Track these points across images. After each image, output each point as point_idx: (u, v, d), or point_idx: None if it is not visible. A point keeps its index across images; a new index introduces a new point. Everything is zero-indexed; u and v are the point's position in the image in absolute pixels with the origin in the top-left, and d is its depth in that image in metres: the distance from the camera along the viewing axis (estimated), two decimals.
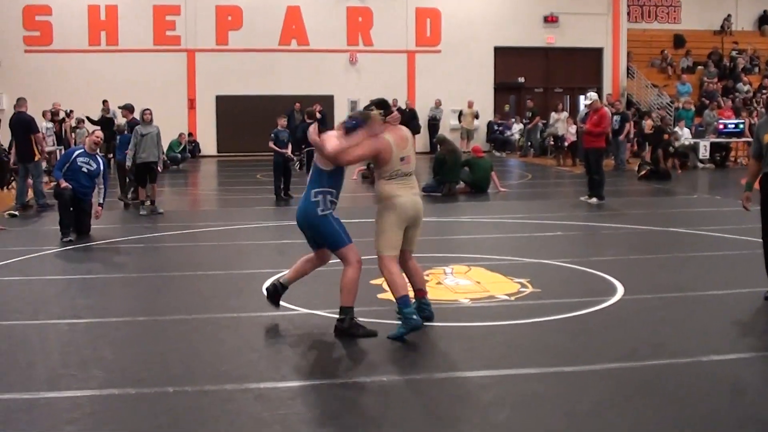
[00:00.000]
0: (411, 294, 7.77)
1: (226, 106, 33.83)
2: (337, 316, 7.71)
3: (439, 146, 20.83)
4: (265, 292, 8.43)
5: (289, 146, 19.02)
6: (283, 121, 19.48)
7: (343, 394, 6.18)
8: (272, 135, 18.92)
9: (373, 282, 9.66)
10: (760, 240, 8.98)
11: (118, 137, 17.74)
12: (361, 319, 7.84)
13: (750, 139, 27.16)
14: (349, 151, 7.52)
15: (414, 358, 7.06)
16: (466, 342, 7.56)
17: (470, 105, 34.37)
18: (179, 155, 29.35)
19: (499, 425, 5.62)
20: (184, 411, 5.85)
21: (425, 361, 6.99)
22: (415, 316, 7.45)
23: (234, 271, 10.81)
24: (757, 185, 8.99)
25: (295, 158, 19.36)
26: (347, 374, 6.62)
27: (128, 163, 16.60)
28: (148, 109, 16.82)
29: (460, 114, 34.52)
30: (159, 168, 16.76)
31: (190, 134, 32.93)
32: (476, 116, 34.44)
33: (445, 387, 6.38)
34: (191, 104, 34.12)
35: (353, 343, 7.51)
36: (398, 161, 7.68)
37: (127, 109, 18.41)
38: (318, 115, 22.75)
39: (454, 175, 19.64)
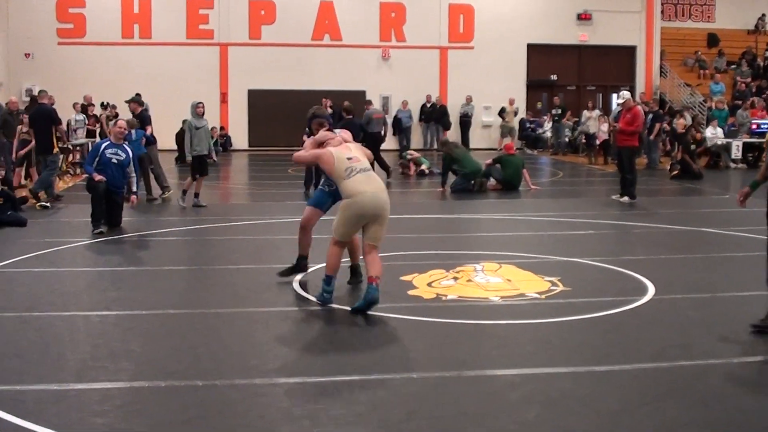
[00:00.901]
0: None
1: (258, 100, 33.94)
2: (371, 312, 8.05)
3: (442, 147, 21.08)
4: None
5: None
6: None
7: (372, 391, 6.18)
8: (306, 129, 18.95)
9: (403, 278, 9.67)
10: None
11: (132, 132, 17.14)
12: (391, 315, 7.92)
13: None
14: (300, 156, 9.16)
15: (444, 355, 7.05)
16: (496, 340, 7.54)
17: (511, 102, 34.32)
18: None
19: (528, 423, 5.60)
20: (214, 404, 5.86)
21: (455, 358, 6.97)
22: (326, 295, 8.49)
23: (266, 265, 10.80)
24: None
25: None
26: (377, 370, 6.60)
27: (188, 157, 16.54)
28: (201, 103, 16.84)
29: (502, 111, 34.32)
30: (214, 158, 16.90)
31: (222, 128, 33.10)
32: (516, 113, 34.37)
33: (474, 384, 6.36)
34: (223, 98, 34.23)
35: (384, 339, 7.54)
36: (345, 161, 8.51)
37: (136, 101, 18.38)
38: (329, 110, 22.83)
39: (475, 166, 19.67)
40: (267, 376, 6.40)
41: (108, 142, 14.08)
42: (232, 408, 5.79)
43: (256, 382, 6.28)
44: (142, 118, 17.73)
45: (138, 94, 27.96)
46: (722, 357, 7.03)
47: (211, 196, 19.83)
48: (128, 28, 33.52)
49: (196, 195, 16.65)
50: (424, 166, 23.92)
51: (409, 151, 26.07)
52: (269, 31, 34.19)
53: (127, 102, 19.13)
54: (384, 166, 21.47)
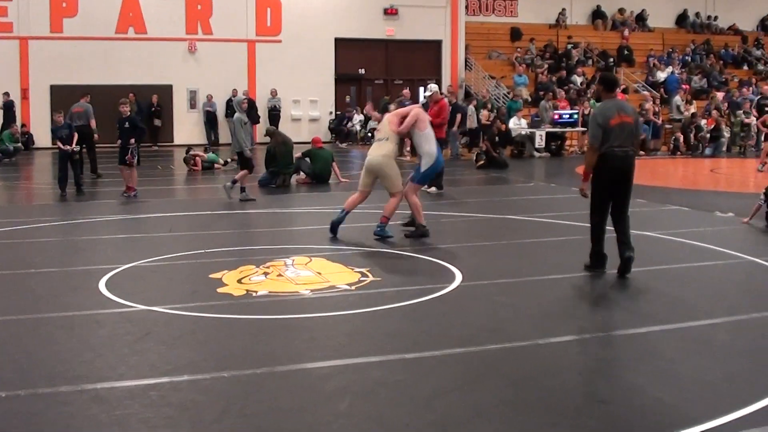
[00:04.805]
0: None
1: (62, 96, 32.66)
2: (175, 311, 7.79)
3: (270, 138, 20.87)
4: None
5: (75, 138, 18.31)
6: (59, 117, 18.72)
7: (183, 392, 6.07)
8: (51, 132, 18.59)
9: (212, 276, 9.58)
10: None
11: None
12: (201, 314, 7.81)
13: (584, 129, 28.30)
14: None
15: (255, 352, 6.99)
16: (307, 333, 7.54)
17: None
18: (11, 147, 28.36)
19: (342, 414, 5.63)
20: (18, 416, 5.63)
21: (267, 354, 6.93)
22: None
23: (69, 268, 10.48)
24: None
25: (76, 151, 18.42)
26: (188, 371, 6.48)
27: (247, 152, 16.75)
28: (246, 99, 16.64)
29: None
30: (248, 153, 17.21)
31: (23, 125, 31.86)
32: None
33: (287, 379, 6.35)
34: (24, 94, 32.95)
35: (194, 339, 7.41)
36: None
37: None
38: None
39: (288, 165, 19.70)
40: (73, 383, 6.19)
41: None
42: (37, 418, 5.58)
43: (61, 389, 6.07)
44: None
45: None
46: (529, 339, 7.25)
47: (11, 197, 19.12)
48: None
49: (243, 189, 16.75)
50: (218, 163, 24.04)
51: (193, 150, 25.32)
52: (71, 24, 33.12)
53: None
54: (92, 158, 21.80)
